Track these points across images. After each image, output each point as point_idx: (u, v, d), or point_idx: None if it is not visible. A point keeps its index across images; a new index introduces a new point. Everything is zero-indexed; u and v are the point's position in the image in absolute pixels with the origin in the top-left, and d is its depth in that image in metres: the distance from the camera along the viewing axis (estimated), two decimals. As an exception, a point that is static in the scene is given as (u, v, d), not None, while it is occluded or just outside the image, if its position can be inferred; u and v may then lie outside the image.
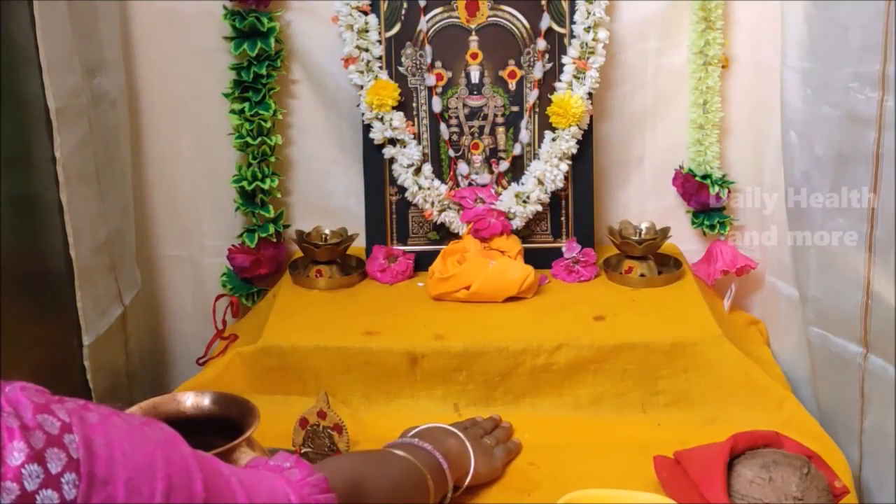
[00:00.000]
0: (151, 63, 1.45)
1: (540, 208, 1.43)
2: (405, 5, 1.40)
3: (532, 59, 1.42)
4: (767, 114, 1.31)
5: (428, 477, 0.92)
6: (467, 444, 1.01)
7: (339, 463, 0.87)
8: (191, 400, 1.00)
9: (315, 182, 1.52)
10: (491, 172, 1.45)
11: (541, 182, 1.41)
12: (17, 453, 0.50)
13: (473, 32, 1.42)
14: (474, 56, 1.42)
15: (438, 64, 1.42)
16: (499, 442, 1.10)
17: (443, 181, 1.43)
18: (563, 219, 1.45)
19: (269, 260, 1.47)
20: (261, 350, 1.24)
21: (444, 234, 1.45)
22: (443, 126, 1.42)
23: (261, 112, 1.41)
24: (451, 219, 1.42)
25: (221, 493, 0.62)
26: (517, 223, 1.42)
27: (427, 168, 1.42)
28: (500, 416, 1.18)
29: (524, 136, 1.43)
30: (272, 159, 1.45)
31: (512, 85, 1.43)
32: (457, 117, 1.44)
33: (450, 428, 1.03)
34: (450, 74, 1.43)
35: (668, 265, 1.44)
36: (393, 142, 1.41)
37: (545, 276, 1.41)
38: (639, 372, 1.21)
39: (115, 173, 1.30)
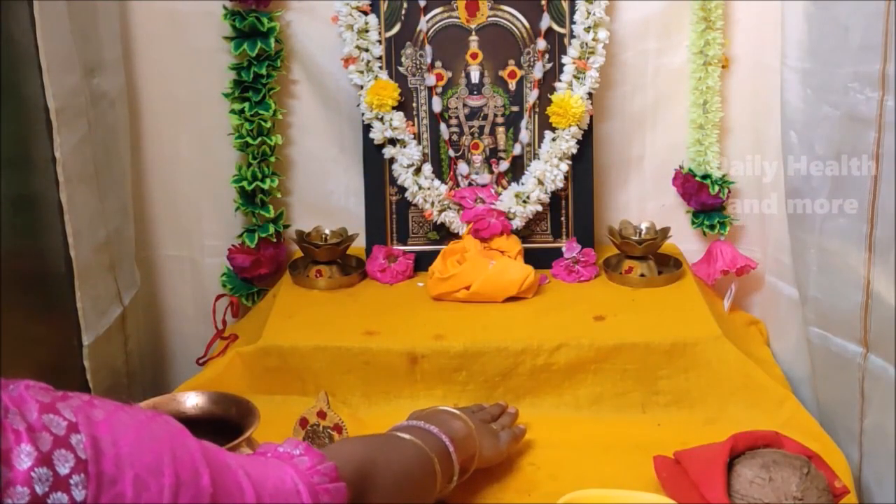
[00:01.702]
0: (151, 63, 1.45)
1: (540, 208, 1.43)
2: (405, 5, 1.40)
3: (532, 59, 1.42)
4: (767, 114, 1.31)
5: (435, 461, 0.91)
6: (473, 426, 1.00)
7: (348, 449, 0.85)
8: (191, 400, 1.01)
9: (315, 182, 1.52)
10: (491, 172, 1.45)
11: (541, 182, 1.41)
12: (24, 457, 0.50)
13: (473, 32, 1.42)
14: (474, 56, 1.42)
15: (438, 64, 1.42)
16: (504, 427, 1.10)
17: (443, 181, 1.43)
18: (563, 219, 1.45)
19: (269, 260, 1.47)
20: (261, 350, 1.24)
21: (444, 234, 1.45)
22: (443, 126, 1.42)
23: (261, 112, 1.41)
24: (451, 219, 1.42)
25: (228, 487, 0.62)
26: (517, 223, 1.42)
27: (427, 168, 1.42)
28: (506, 403, 1.17)
29: (524, 136, 1.43)
30: (272, 159, 1.44)
31: (512, 85, 1.43)
32: (457, 117, 1.44)
33: (455, 411, 1.03)
34: (450, 74, 1.43)
35: (668, 265, 1.44)
36: (393, 142, 1.41)
37: (545, 276, 1.41)
38: (639, 372, 1.21)
39: (114, 173, 1.30)
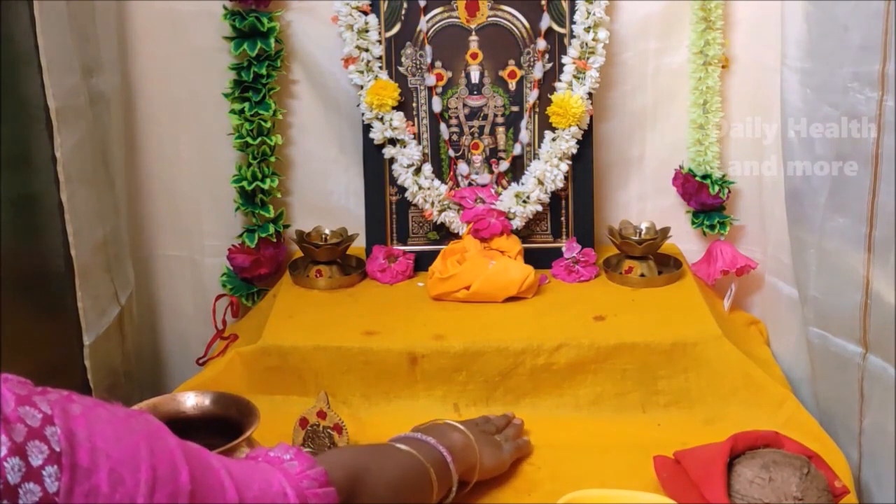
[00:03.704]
0: (151, 63, 1.45)
1: (540, 208, 1.43)
2: (405, 5, 1.40)
3: (532, 59, 1.42)
4: (767, 114, 1.31)
5: (431, 470, 0.91)
6: (472, 438, 1.00)
7: (339, 456, 0.86)
8: (191, 400, 1.01)
9: (315, 182, 1.52)
10: (491, 172, 1.45)
11: (541, 182, 1.41)
12: None
13: (473, 32, 1.42)
14: (474, 56, 1.42)
15: (438, 64, 1.42)
16: (508, 439, 1.09)
17: (443, 181, 1.43)
18: (563, 219, 1.45)
19: (269, 260, 1.47)
20: (261, 350, 1.24)
21: (444, 234, 1.45)
22: (443, 126, 1.42)
23: (261, 112, 1.41)
24: (451, 219, 1.43)
25: (209, 485, 0.62)
26: (517, 223, 1.42)
27: (427, 168, 1.42)
28: (512, 414, 1.17)
29: (524, 136, 1.43)
30: (272, 159, 1.45)
31: (512, 85, 1.43)
32: (457, 117, 1.44)
33: (455, 423, 1.02)
34: (450, 74, 1.43)
35: (668, 265, 1.44)
36: (393, 142, 1.41)
37: (545, 276, 1.41)
38: (639, 372, 1.21)
39: (110, 173, 1.31)
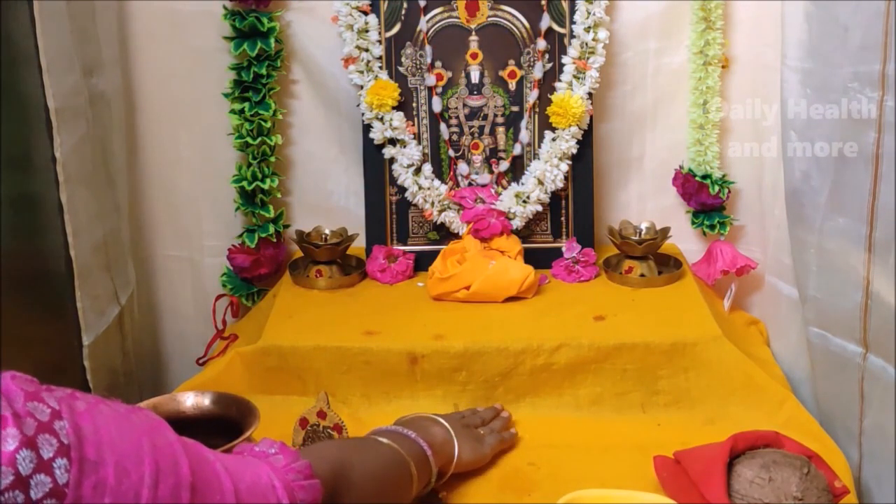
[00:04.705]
0: (151, 63, 1.45)
1: (540, 208, 1.43)
2: (405, 5, 1.40)
3: (532, 59, 1.42)
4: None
5: (411, 464, 0.93)
6: (452, 432, 1.03)
7: (323, 449, 0.89)
8: (191, 400, 1.01)
9: (315, 182, 1.52)
10: (491, 172, 1.45)
11: (541, 182, 1.41)
12: (10, 440, 0.51)
13: (473, 32, 1.42)
14: (474, 56, 1.42)
15: (438, 64, 1.42)
16: (494, 431, 1.11)
17: (443, 181, 1.43)
18: (563, 219, 1.45)
19: (269, 260, 1.47)
20: (261, 350, 1.24)
21: (444, 234, 1.45)
22: (443, 126, 1.42)
23: (261, 112, 1.41)
24: (451, 219, 1.43)
25: (207, 477, 0.64)
26: (517, 223, 1.42)
27: (427, 168, 1.42)
28: (501, 406, 1.19)
29: (524, 136, 1.43)
30: (272, 159, 1.45)
31: (512, 85, 1.43)
32: (457, 117, 1.44)
33: (436, 417, 1.05)
34: (450, 74, 1.43)
35: (668, 265, 1.44)
36: (393, 142, 1.41)
37: (545, 276, 1.41)
38: (639, 372, 1.21)
39: (110, 173, 1.31)
